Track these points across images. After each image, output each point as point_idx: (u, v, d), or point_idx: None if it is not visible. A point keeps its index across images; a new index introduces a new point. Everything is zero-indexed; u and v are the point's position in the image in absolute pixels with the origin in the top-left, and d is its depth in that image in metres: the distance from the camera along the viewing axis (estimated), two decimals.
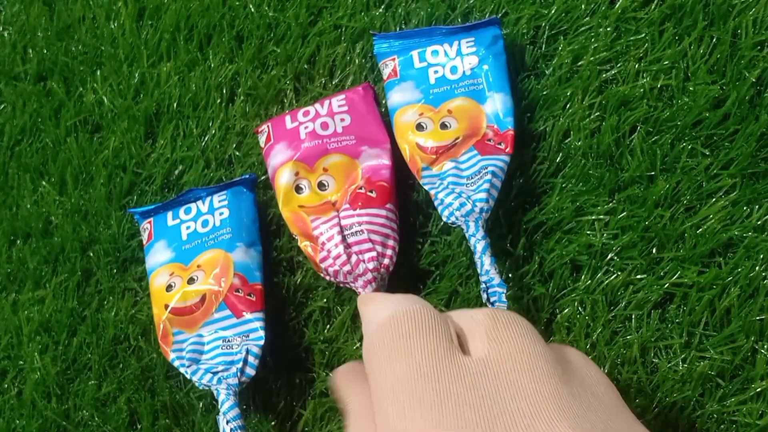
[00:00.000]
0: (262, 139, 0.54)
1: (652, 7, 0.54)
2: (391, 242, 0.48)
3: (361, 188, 0.49)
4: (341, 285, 0.49)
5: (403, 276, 0.51)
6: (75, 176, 0.60)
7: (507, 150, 0.50)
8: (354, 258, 0.46)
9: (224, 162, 0.57)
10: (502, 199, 0.51)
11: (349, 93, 0.53)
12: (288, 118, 0.53)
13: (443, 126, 0.51)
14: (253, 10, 0.60)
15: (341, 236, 0.47)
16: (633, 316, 0.49)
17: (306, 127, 0.51)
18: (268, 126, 0.53)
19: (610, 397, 0.31)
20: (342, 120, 0.51)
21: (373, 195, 0.49)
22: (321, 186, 0.49)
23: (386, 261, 0.47)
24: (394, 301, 0.35)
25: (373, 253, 0.47)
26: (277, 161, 0.51)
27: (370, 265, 0.46)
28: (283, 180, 0.50)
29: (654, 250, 0.49)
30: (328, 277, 0.49)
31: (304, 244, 0.49)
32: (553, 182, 0.52)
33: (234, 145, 0.57)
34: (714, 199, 0.50)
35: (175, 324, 0.48)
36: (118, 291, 0.56)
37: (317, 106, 0.53)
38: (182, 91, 0.59)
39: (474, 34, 0.53)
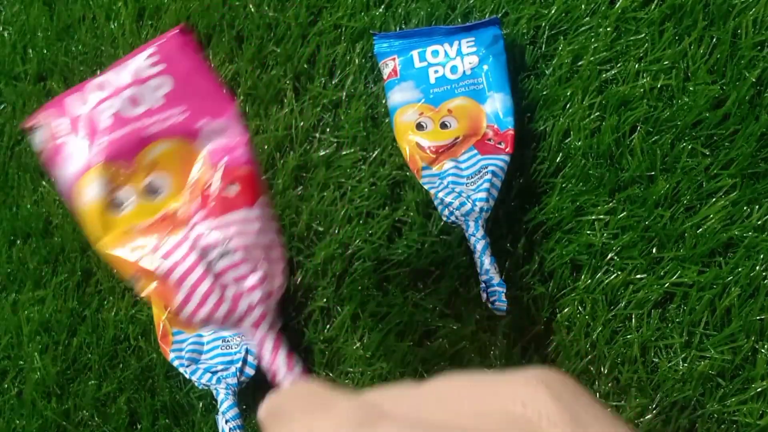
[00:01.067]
0: (40, 139, 0.34)
1: (652, 7, 0.54)
2: (276, 254, 0.32)
3: (214, 184, 0.31)
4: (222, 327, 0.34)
5: (404, 276, 0.51)
6: None
7: (507, 150, 0.50)
8: (230, 291, 0.31)
9: None
10: (502, 199, 0.51)
11: (162, 44, 0.34)
12: (74, 100, 0.33)
13: (443, 125, 0.51)
14: (253, 10, 0.60)
15: (203, 263, 0.30)
16: (633, 316, 0.49)
17: (105, 110, 0.32)
18: (45, 117, 0.34)
19: None
20: (158, 87, 0.32)
21: (235, 191, 0.31)
22: (150, 191, 0.32)
23: (276, 283, 0.32)
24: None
25: (256, 278, 0.31)
26: (74, 169, 0.32)
27: (256, 297, 0.31)
28: (88, 197, 0.31)
29: (654, 250, 0.49)
30: (198, 327, 0.36)
31: (147, 290, 0.31)
32: (553, 182, 0.52)
33: None
34: (714, 199, 0.50)
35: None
36: (118, 291, 0.56)
37: (113, 74, 0.34)
38: None
39: (474, 34, 0.53)
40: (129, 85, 0.33)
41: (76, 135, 0.32)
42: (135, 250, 0.31)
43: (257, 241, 0.31)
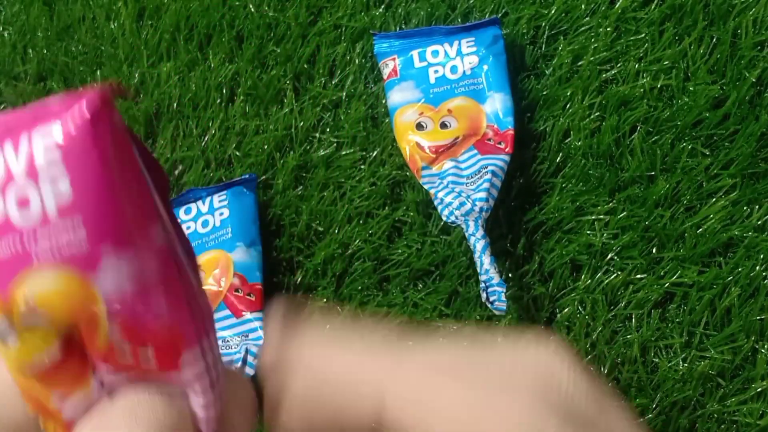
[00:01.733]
0: None
1: (652, 7, 0.54)
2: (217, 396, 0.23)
3: (118, 345, 0.21)
4: None
5: (403, 276, 0.51)
6: None
7: (507, 149, 0.50)
8: None
9: (224, 162, 0.57)
10: (502, 199, 0.51)
11: (67, 122, 0.19)
12: None
13: (443, 125, 0.51)
14: (253, 10, 0.60)
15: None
16: (633, 316, 0.49)
17: None
18: None
19: None
20: (54, 184, 0.19)
21: (150, 355, 0.21)
22: (30, 325, 0.21)
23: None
24: None
25: None
26: None
27: None
28: None
29: (654, 250, 0.49)
30: None
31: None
32: (553, 182, 0.52)
33: (234, 145, 0.57)
34: (714, 199, 0.50)
35: None
36: None
37: (6, 142, 0.20)
38: (182, 91, 0.59)
39: (474, 34, 0.53)
40: (22, 175, 0.20)
41: None
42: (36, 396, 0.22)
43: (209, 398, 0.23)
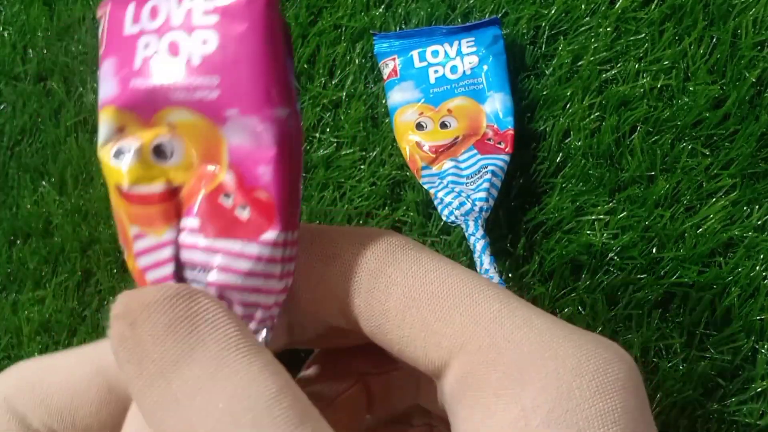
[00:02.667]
0: (98, 31, 0.26)
1: (652, 7, 0.54)
2: (266, 299, 0.23)
3: (224, 190, 0.23)
4: None
5: None
6: (75, 176, 0.60)
7: (507, 149, 0.50)
8: None
9: None
10: (502, 199, 0.51)
11: None
12: (130, 12, 0.25)
13: (443, 125, 0.51)
14: None
15: (176, 279, 0.23)
16: (633, 316, 0.49)
17: (144, 45, 0.24)
18: (106, 12, 0.25)
19: None
20: (203, 43, 0.23)
21: (244, 215, 0.23)
22: (157, 154, 0.24)
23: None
24: None
25: None
26: (98, 96, 0.25)
27: None
28: (99, 137, 0.25)
29: (654, 250, 0.49)
30: None
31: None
32: (553, 182, 0.52)
33: None
34: (714, 199, 0.50)
35: None
36: (118, 291, 0.56)
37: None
38: None
39: (474, 34, 0.53)
40: (177, 27, 0.24)
41: (109, 57, 0.25)
42: (121, 224, 0.24)
43: (242, 283, 0.24)
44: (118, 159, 0.24)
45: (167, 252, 0.23)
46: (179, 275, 0.23)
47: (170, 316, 0.17)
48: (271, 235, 0.23)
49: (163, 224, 0.24)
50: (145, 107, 0.23)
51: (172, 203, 0.24)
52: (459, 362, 0.18)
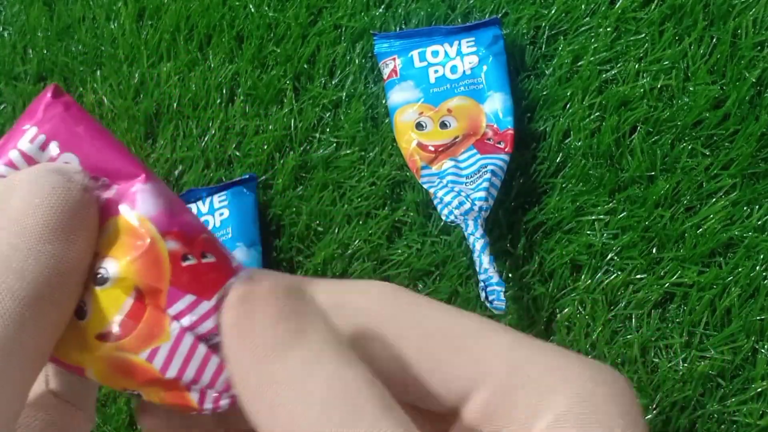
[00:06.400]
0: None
1: (652, 7, 0.54)
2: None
3: (185, 256, 0.22)
4: None
5: (403, 276, 0.51)
6: None
7: (506, 149, 0.50)
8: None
9: (224, 162, 0.57)
10: (502, 199, 0.51)
11: (41, 120, 0.22)
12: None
13: (443, 125, 0.51)
14: (253, 10, 0.60)
15: (203, 344, 0.22)
16: (633, 316, 0.48)
17: None
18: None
19: None
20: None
21: (211, 261, 0.22)
22: (100, 281, 0.22)
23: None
24: None
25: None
26: None
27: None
28: None
29: (654, 250, 0.49)
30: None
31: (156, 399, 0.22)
32: (553, 182, 0.52)
33: (234, 145, 0.57)
34: (714, 199, 0.50)
35: None
36: None
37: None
38: (182, 92, 0.59)
39: (474, 34, 0.53)
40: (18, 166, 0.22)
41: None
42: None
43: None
44: (81, 316, 0.22)
45: (184, 347, 0.23)
46: (201, 342, 0.22)
47: (281, 307, 0.19)
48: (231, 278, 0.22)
49: (158, 331, 0.22)
50: None
51: (152, 310, 0.23)
52: (484, 389, 0.20)
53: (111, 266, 0.22)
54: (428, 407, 0.21)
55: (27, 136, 0.22)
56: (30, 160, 0.22)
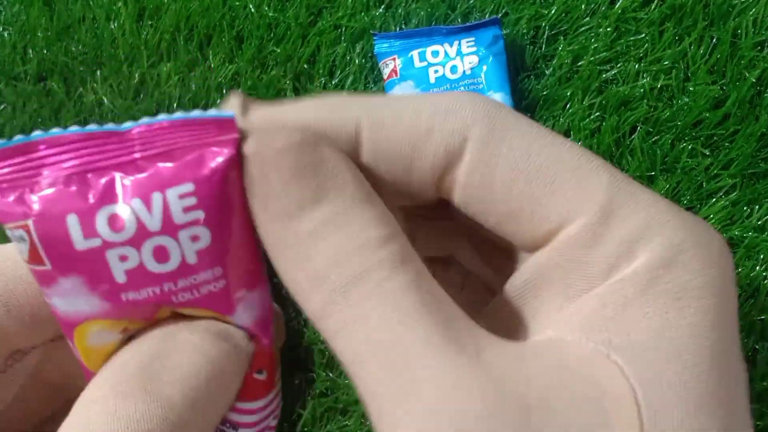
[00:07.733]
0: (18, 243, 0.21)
1: (652, 7, 0.54)
2: None
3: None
4: None
5: None
6: None
7: None
8: None
9: None
10: None
11: (203, 178, 0.20)
12: (75, 227, 0.20)
13: None
14: (253, 10, 0.60)
15: None
16: None
17: (119, 259, 0.20)
18: (29, 228, 0.20)
19: None
20: (193, 240, 0.20)
21: (262, 378, 0.25)
22: None
23: None
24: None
25: None
26: (74, 309, 0.21)
27: None
28: (96, 340, 0.22)
29: None
30: None
31: None
32: None
33: None
34: (714, 199, 0.50)
35: None
36: None
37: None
38: (182, 92, 0.59)
39: (474, 34, 0.53)
40: (157, 234, 0.20)
41: (69, 275, 0.20)
42: None
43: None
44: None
45: None
46: None
47: (297, 161, 0.18)
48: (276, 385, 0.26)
49: None
50: (145, 312, 0.22)
51: None
52: (573, 227, 0.19)
53: None
54: (511, 239, 0.20)
55: (181, 189, 0.20)
56: (168, 216, 0.20)
